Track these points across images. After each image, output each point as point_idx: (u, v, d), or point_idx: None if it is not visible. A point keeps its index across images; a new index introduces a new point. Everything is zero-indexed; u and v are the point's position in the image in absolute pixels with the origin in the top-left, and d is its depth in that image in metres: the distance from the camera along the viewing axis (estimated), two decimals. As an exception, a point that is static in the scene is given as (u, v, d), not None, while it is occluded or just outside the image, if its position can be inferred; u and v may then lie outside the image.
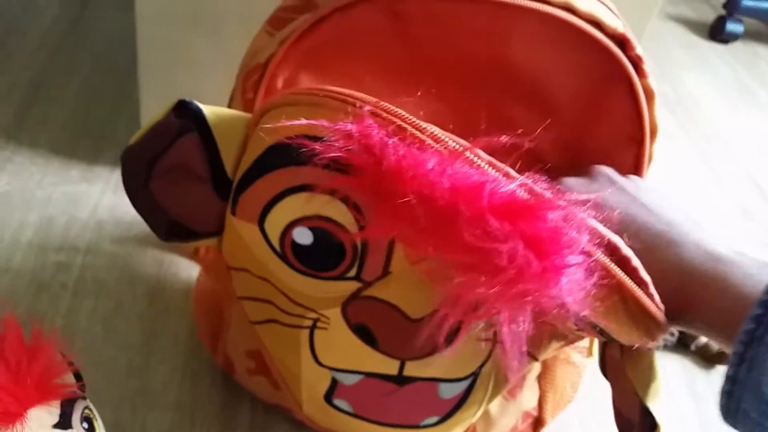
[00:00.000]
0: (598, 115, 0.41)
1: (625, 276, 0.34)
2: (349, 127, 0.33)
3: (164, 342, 0.56)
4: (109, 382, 0.52)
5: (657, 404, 0.38)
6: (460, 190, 0.30)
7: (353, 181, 0.34)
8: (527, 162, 0.34)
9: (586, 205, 0.32)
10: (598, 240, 0.33)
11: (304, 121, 0.34)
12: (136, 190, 0.40)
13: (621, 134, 0.41)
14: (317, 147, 0.33)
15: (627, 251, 0.34)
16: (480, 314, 0.33)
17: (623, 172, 0.42)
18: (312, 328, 0.43)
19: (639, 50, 0.39)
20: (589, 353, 0.51)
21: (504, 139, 0.31)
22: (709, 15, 1.35)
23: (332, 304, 0.41)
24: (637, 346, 0.38)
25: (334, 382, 0.46)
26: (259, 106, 0.37)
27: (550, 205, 0.31)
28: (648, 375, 0.38)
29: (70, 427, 0.33)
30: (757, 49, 1.31)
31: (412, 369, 0.44)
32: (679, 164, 0.94)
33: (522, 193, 0.31)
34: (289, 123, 0.34)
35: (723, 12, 1.27)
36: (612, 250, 0.34)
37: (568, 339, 0.45)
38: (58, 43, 0.90)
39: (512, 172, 0.33)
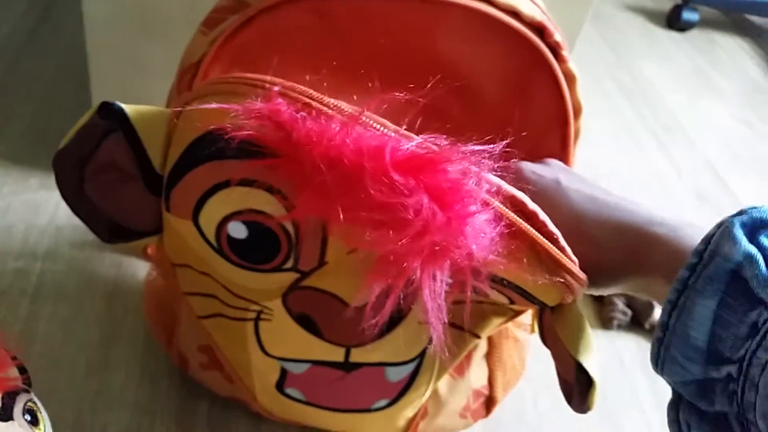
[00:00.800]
0: (524, 100, 0.43)
1: (532, 228, 0.36)
2: (259, 106, 0.34)
3: (123, 343, 0.57)
4: (68, 384, 0.53)
5: (590, 361, 0.39)
6: (364, 151, 0.32)
7: (273, 163, 0.34)
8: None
9: (485, 160, 0.33)
10: (496, 190, 0.34)
11: (214, 105, 0.35)
12: (71, 193, 0.41)
13: (547, 116, 0.43)
14: (230, 130, 0.34)
15: (533, 206, 0.36)
16: (402, 276, 0.33)
17: (552, 150, 0.44)
18: (256, 320, 0.44)
19: (557, 37, 0.41)
20: (532, 329, 0.52)
21: (400, 96, 0.33)
22: (666, 4, 1.37)
23: (273, 296, 0.43)
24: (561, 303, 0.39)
25: (284, 372, 0.47)
26: (178, 100, 0.38)
27: (449, 159, 0.32)
28: (576, 331, 0.39)
29: (10, 419, 0.34)
30: (714, 36, 1.33)
31: (357, 355, 0.45)
32: (636, 151, 0.96)
33: (422, 150, 0.33)
34: (201, 107, 0.36)
35: (679, 1, 1.30)
36: (518, 206, 0.36)
37: (508, 315, 0.47)
38: (16, 54, 0.90)
39: (410, 134, 0.34)
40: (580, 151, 0.85)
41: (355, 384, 0.47)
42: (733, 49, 1.31)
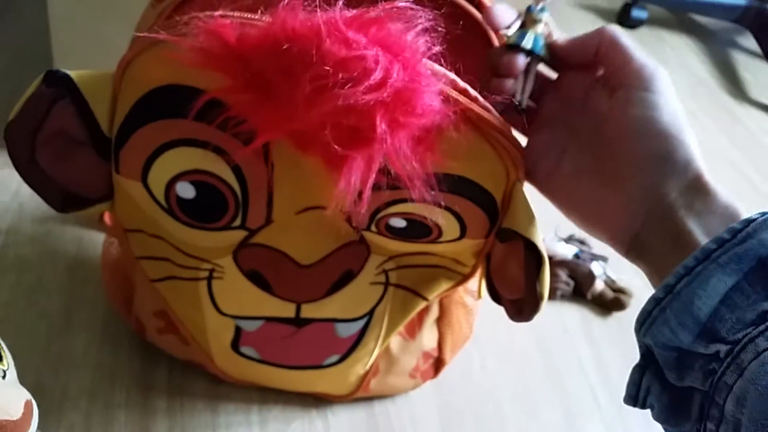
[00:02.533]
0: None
1: (464, 98, 0.38)
2: (202, 24, 0.35)
3: (84, 311, 0.59)
4: (30, 349, 0.55)
5: (538, 240, 0.41)
6: (317, 19, 0.33)
7: (226, 89, 0.36)
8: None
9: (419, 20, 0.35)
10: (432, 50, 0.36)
11: (155, 35, 0.37)
12: (23, 164, 0.42)
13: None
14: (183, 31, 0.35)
15: (464, 84, 0.39)
16: (372, 166, 0.35)
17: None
18: (209, 279, 0.47)
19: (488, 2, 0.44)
20: (479, 295, 0.55)
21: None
22: (617, 2, 1.43)
23: (224, 253, 0.45)
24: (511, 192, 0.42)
25: (238, 330, 0.49)
26: (120, 60, 0.41)
27: (390, 16, 0.35)
28: (525, 214, 0.42)
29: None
30: (662, 34, 1.39)
31: (308, 311, 0.48)
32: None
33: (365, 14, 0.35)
34: (143, 56, 0.38)
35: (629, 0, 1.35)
36: (450, 82, 0.38)
37: (456, 279, 0.50)
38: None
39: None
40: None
41: (306, 340, 0.50)
42: (680, 46, 1.36)
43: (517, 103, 0.42)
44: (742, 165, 1.03)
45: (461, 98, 0.38)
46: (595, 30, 0.42)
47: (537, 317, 0.44)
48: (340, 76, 0.33)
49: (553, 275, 0.71)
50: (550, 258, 0.72)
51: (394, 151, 0.35)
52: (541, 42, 0.43)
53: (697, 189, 0.38)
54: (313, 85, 0.33)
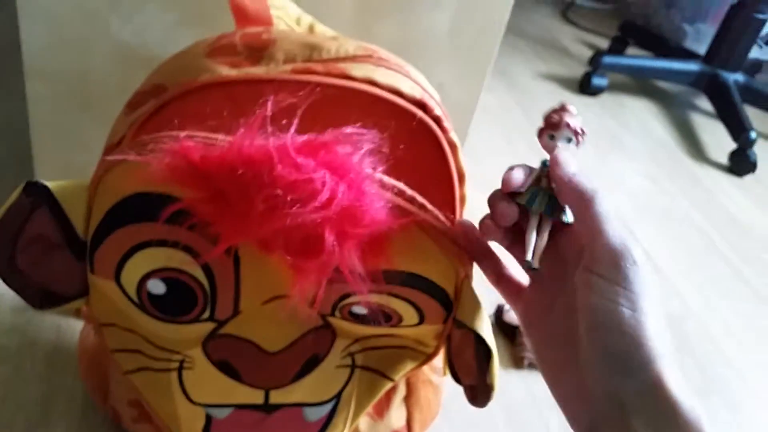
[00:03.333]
0: (412, 165, 0.49)
1: (414, 206, 0.42)
2: (169, 146, 0.39)
3: (62, 400, 0.60)
4: (7, 441, 0.56)
5: (486, 332, 0.43)
6: (268, 146, 0.37)
7: (191, 200, 0.39)
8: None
9: (365, 143, 0.39)
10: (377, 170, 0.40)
11: (123, 157, 0.40)
12: (3, 267, 0.45)
13: (433, 181, 0.49)
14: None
15: (412, 192, 0.42)
16: (324, 271, 0.38)
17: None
18: (180, 369, 0.49)
19: (438, 112, 0.48)
20: (444, 372, 0.57)
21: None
22: (579, 71, 1.49)
23: (193, 345, 0.47)
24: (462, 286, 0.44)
25: (209, 418, 0.51)
26: (93, 174, 0.44)
27: (338, 140, 0.38)
28: (474, 308, 0.44)
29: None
30: (623, 99, 1.46)
31: (277, 396, 0.50)
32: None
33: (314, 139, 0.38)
34: (117, 169, 0.41)
35: (589, 68, 1.42)
36: (399, 193, 0.42)
37: (420, 359, 0.52)
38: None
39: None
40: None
41: (276, 425, 0.51)
42: (640, 110, 1.43)
43: (528, 265, 0.41)
44: (702, 225, 1.08)
45: (409, 206, 0.42)
46: (579, 189, 0.40)
47: (505, 387, 0.46)
48: (290, 197, 0.36)
49: (521, 344, 0.73)
50: (516, 327, 0.75)
51: (343, 259, 0.38)
52: (553, 202, 0.42)
53: (655, 395, 0.34)
54: (266, 205, 0.36)
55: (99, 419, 0.59)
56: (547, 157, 0.43)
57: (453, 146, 0.49)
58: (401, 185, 0.42)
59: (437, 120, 0.48)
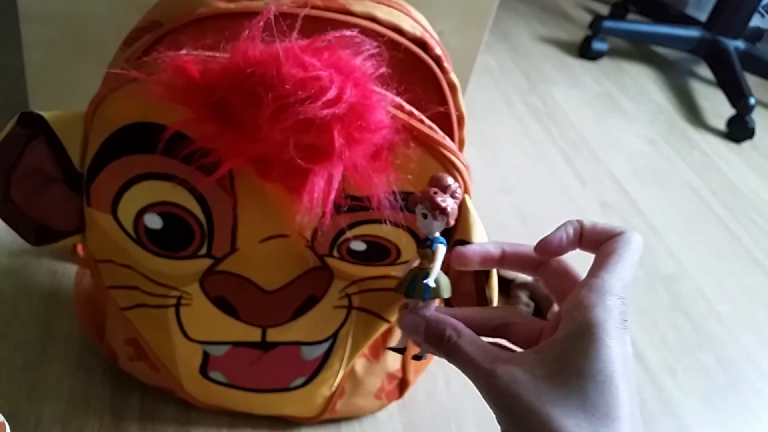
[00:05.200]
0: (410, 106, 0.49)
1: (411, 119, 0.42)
2: (166, 60, 0.38)
3: (59, 341, 0.60)
4: (5, 378, 0.56)
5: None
6: (275, 48, 0.37)
7: (190, 121, 0.39)
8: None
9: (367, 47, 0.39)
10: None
11: (119, 72, 0.40)
12: None
13: (431, 120, 0.49)
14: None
15: (410, 107, 0.42)
16: (332, 182, 0.38)
17: None
18: (177, 306, 0.49)
19: (438, 51, 0.47)
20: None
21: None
22: (579, 35, 1.48)
23: (191, 281, 0.47)
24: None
25: (206, 355, 0.51)
26: (91, 99, 0.43)
27: (342, 43, 0.38)
28: (474, 224, 0.44)
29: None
30: (622, 64, 1.45)
31: (274, 335, 0.50)
32: (543, 166, 1.05)
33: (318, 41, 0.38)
34: (114, 94, 0.41)
35: (589, 32, 1.41)
36: (397, 106, 0.42)
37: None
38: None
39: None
40: (492, 166, 0.94)
41: (273, 363, 0.52)
42: (639, 76, 1.42)
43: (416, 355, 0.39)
44: (698, 188, 1.08)
45: (408, 118, 0.42)
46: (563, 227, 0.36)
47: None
48: (299, 94, 0.36)
49: (515, 297, 0.74)
50: (512, 281, 0.75)
51: (352, 165, 0.38)
52: (431, 285, 0.35)
53: None
54: (276, 104, 0.36)
55: (95, 359, 0.59)
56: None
57: (453, 87, 0.49)
58: (399, 99, 0.42)
59: (437, 60, 0.48)
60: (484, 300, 0.44)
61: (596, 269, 0.33)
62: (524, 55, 1.36)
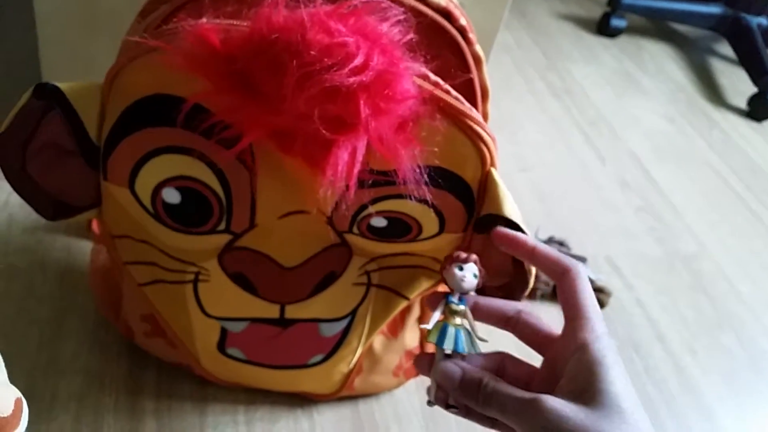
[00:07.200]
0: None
1: (437, 90, 0.41)
2: (187, 31, 0.37)
3: (74, 318, 0.60)
4: (20, 355, 0.56)
5: (519, 219, 0.43)
6: (300, 14, 0.36)
7: (210, 92, 0.37)
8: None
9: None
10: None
11: (137, 40, 0.39)
12: (14, 175, 0.43)
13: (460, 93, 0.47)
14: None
15: (436, 78, 0.41)
16: (356, 155, 0.37)
17: None
18: (195, 282, 0.48)
19: (463, 21, 0.46)
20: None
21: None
22: (597, 12, 1.46)
23: (209, 257, 0.46)
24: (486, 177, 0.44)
25: (224, 332, 0.51)
26: (108, 70, 0.42)
27: (369, 9, 0.37)
28: (503, 197, 0.44)
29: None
30: (641, 42, 1.42)
31: (292, 311, 0.50)
32: (562, 144, 1.03)
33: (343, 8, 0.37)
34: (131, 64, 0.39)
35: (608, 9, 1.38)
36: (422, 76, 0.40)
37: (435, 278, 0.51)
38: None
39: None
40: (510, 144, 0.92)
41: (291, 340, 0.51)
42: (658, 53, 1.39)
43: (426, 402, 0.41)
44: (719, 167, 1.06)
45: (433, 89, 0.40)
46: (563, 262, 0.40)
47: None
48: (325, 61, 0.35)
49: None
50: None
51: (377, 137, 0.37)
52: (463, 338, 0.40)
53: None
54: (301, 72, 0.35)
55: (110, 335, 0.59)
56: (453, 293, 0.42)
57: (477, 60, 0.48)
58: (425, 69, 0.41)
59: (462, 30, 0.46)
60: (521, 270, 0.45)
61: (571, 313, 0.39)
62: (542, 32, 1.34)
